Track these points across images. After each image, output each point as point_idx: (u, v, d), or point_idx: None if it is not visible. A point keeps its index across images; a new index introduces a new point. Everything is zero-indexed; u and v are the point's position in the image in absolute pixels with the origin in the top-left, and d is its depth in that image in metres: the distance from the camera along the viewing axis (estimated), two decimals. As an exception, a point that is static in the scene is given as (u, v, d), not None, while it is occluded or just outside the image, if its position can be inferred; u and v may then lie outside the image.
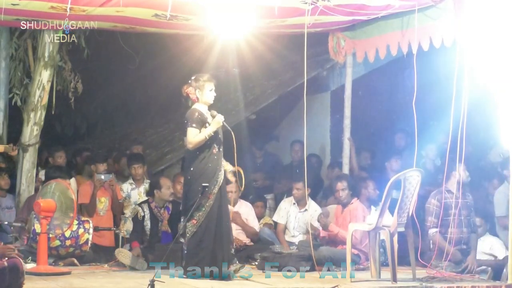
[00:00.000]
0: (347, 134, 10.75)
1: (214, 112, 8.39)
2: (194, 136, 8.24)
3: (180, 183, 9.69)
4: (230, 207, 9.04)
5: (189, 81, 8.46)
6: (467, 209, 9.33)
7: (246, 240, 10.03)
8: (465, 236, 9.31)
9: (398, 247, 8.56)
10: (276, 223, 10.35)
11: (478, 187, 10.23)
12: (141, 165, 10.39)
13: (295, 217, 10.25)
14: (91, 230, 9.23)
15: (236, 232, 10.01)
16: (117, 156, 11.21)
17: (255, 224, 10.18)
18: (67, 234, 9.05)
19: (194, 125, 8.25)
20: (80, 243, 9.17)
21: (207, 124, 8.30)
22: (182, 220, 8.47)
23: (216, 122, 8.31)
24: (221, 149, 8.40)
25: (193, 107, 8.43)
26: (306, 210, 10.20)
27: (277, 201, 11.11)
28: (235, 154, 8.50)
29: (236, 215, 9.95)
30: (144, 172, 10.48)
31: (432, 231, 9.28)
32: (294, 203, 10.26)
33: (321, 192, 11.46)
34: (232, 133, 8.42)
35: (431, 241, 9.36)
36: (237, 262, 8.49)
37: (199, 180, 8.24)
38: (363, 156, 11.39)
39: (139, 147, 11.58)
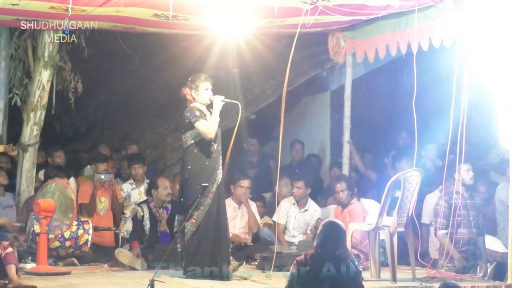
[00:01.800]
0: (347, 134, 10.74)
1: (212, 97, 8.41)
2: (207, 126, 8.25)
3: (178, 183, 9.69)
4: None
5: (188, 82, 8.50)
6: (475, 210, 9.30)
7: (246, 240, 10.02)
8: (474, 237, 9.27)
9: (398, 247, 8.56)
10: (276, 223, 10.35)
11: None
12: (141, 165, 10.41)
13: (295, 217, 10.24)
14: (90, 231, 9.23)
15: (239, 231, 10.02)
16: (124, 157, 11.26)
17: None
18: (67, 235, 9.05)
19: (199, 118, 8.27)
20: (80, 244, 9.17)
21: (207, 118, 8.34)
22: (176, 218, 8.49)
23: (217, 105, 8.33)
24: (219, 147, 8.41)
25: (191, 105, 8.45)
26: (306, 210, 10.19)
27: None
28: (237, 125, 8.54)
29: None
30: (144, 172, 10.49)
31: (441, 232, 9.23)
32: (294, 203, 10.25)
33: (321, 192, 11.44)
34: (239, 104, 8.46)
35: (439, 242, 9.35)
36: (234, 260, 8.49)
37: (197, 179, 8.25)
38: (359, 157, 11.33)
39: (134, 146, 11.58)
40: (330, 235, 6.55)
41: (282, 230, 10.26)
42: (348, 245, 8.57)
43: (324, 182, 11.75)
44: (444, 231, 9.17)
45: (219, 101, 8.35)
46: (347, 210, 9.59)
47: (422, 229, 9.67)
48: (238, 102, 8.52)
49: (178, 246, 8.40)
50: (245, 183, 10.08)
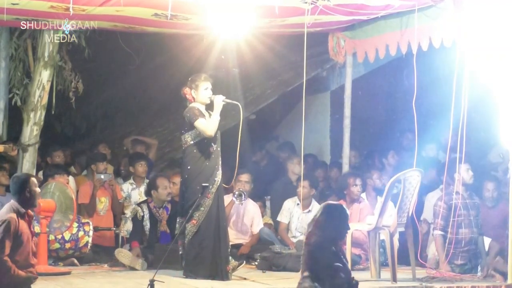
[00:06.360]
0: (347, 134, 10.73)
1: (212, 96, 8.41)
2: (206, 124, 8.27)
3: (174, 183, 9.67)
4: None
5: (188, 82, 8.52)
6: (475, 209, 9.29)
7: (242, 240, 10.02)
8: (475, 236, 9.26)
9: (398, 247, 8.56)
10: (278, 223, 10.32)
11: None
12: (145, 163, 10.41)
13: (298, 218, 10.21)
14: (91, 233, 9.21)
15: (241, 228, 10.02)
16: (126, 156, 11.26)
17: (259, 225, 10.17)
18: (67, 237, 9.04)
19: (199, 117, 8.29)
20: (80, 245, 9.15)
21: (206, 118, 8.34)
22: (178, 220, 8.49)
23: (217, 104, 8.34)
24: (218, 148, 8.42)
25: (190, 105, 8.46)
26: (309, 211, 10.14)
27: (275, 202, 11.05)
28: (240, 127, 8.46)
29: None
30: (146, 171, 10.49)
31: (436, 233, 9.21)
32: (298, 204, 10.23)
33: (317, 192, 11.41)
34: (240, 105, 8.45)
35: (433, 242, 9.33)
36: (233, 260, 8.49)
37: (196, 179, 8.26)
38: (352, 155, 11.29)
39: (140, 146, 11.53)
40: (333, 218, 6.36)
41: (285, 229, 10.23)
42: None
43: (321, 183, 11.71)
44: (440, 232, 9.15)
45: (219, 101, 8.36)
46: (357, 208, 9.59)
47: (421, 226, 9.65)
48: (238, 103, 8.52)
49: (179, 248, 8.41)
50: (244, 177, 9.94)
